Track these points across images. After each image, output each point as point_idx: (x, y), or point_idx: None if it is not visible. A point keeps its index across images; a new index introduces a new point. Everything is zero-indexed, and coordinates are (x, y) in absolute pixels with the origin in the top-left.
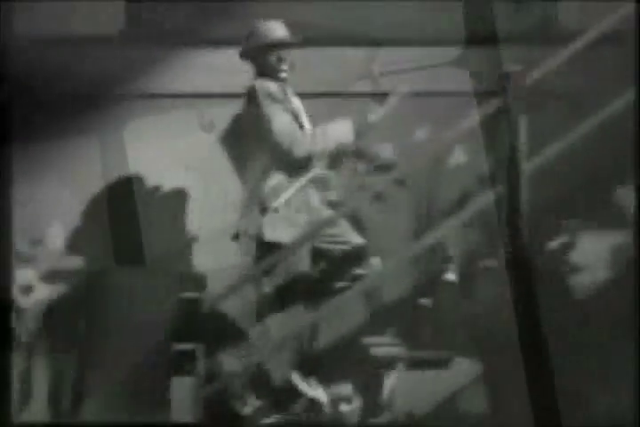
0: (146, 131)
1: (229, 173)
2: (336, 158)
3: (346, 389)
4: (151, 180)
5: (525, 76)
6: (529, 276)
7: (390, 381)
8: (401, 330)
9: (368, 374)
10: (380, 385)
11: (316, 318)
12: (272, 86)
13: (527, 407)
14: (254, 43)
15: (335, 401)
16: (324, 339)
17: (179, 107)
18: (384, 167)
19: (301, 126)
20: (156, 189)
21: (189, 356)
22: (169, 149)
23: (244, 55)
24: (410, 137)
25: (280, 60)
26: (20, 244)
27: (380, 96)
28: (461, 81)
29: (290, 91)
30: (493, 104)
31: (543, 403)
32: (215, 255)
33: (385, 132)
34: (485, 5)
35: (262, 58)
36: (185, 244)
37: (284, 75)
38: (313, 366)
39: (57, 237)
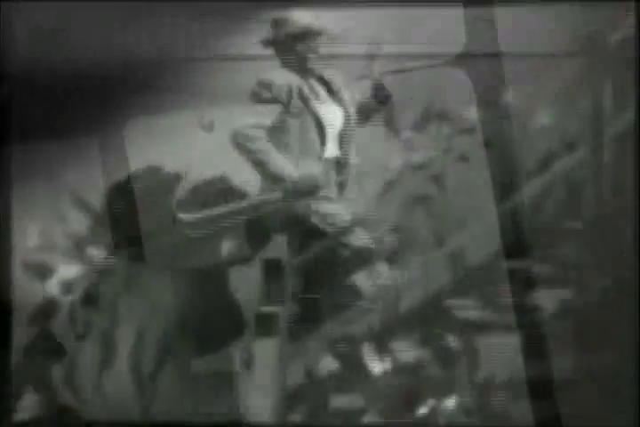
0: (146, 130)
1: (230, 171)
2: (421, 121)
3: (415, 355)
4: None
5: (609, 37)
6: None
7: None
8: (485, 293)
9: (451, 338)
10: (462, 349)
11: (400, 279)
12: (278, 82)
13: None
14: (282, 31)
15: (406, 368)
16: (408, 301)
17: (179, 106)
18: (469, 129)
19: (323, 136)
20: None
21: (273, 318)
22: (169, 148)
23: (268, 43)
24: (494, 98)
25: (309, 50)
26: None
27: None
28: (546, 42)
29: (317, 90)
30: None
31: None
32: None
33: (469, 93)
34: None
35: (290, 48)
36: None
37: (312, 65)
38: (395, 329)
39: None
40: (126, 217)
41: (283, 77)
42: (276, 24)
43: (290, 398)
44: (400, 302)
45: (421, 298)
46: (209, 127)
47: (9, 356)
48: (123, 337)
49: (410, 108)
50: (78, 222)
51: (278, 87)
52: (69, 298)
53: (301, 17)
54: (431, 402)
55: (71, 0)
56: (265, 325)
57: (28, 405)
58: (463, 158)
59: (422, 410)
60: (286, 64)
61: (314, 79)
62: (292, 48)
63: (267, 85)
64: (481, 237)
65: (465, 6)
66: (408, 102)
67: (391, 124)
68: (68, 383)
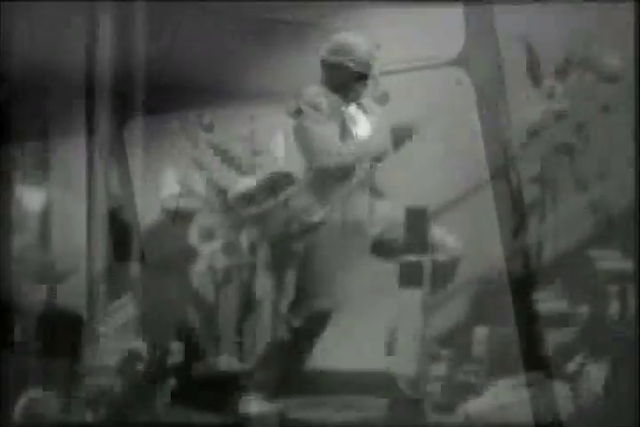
0: (147, 130)
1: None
2: (563, 69)
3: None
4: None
5: None
6: None
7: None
8: (628, 244)
9: (594, 289)
10: (607, 300)
11: (543, 231)
12: (316, 95)
13: None
14: (336, 59)
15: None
16: (549, 252)
17: (180, 106)
18: (612, 77)
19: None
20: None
21: (416, 268)
22: (170, 148)
23: (325, 65)
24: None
25: (362, 87)
26: None
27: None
28: None
29: (354, 115)
30: None
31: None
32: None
33: (611, 41)
34: None
35: (345, 80)
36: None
37: (356, 92)
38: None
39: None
40: None
41: (317, 92)
42: (336, 48)
43: (434, 349)
44: (543, 251)
45: (564, 248)
46: (209, 127)
47: (10, 355)
48: (262, 286)
49: (552, 55)
50: (217, 170)
51: (320, 102)
52: (209, 246)
53: (364, 45)
54: (579, 357)
55: (68, 0)
56: (409, 274)
57: (175, 351)
58: (606, 107)
59: (571, 367)
60: (329, 86)
61: (353, 104)
62: (349, 82)
63: (309, 101)
64: (623, 187)
65: None
66: (551, 49)
67: (533, 72)
68: (208, 333)
